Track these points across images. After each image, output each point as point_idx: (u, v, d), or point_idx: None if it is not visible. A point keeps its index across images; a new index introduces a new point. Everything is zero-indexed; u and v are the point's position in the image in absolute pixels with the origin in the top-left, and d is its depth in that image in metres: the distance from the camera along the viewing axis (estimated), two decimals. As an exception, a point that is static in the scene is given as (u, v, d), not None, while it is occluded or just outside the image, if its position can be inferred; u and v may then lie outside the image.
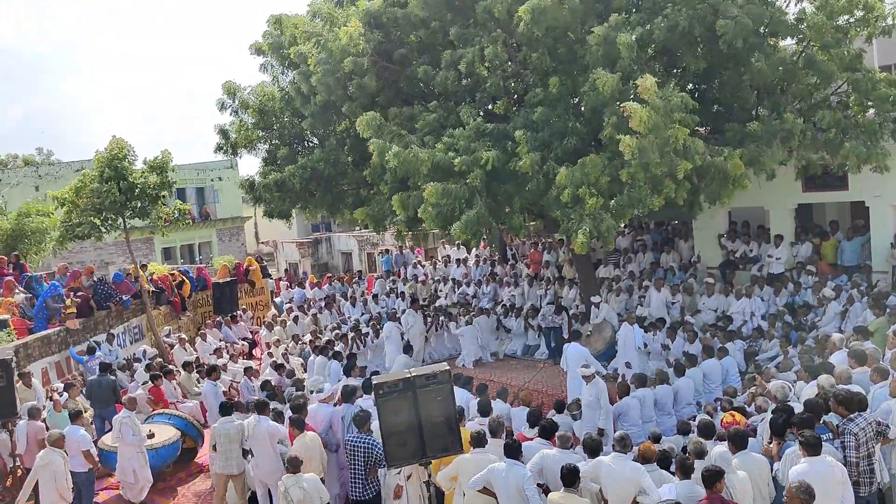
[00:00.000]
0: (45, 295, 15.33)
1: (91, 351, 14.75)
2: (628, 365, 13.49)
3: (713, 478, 6.28)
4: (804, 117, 12.21)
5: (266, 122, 17.54)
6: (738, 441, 7.01)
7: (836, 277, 14.47)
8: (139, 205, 16.58)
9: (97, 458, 10.32)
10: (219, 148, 18.39)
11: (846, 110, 12.29)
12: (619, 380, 12.42)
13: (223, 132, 18.24)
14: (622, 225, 12.25)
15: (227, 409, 10.15)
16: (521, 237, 21.80)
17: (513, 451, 7.35)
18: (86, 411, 11.98)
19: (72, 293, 15.94)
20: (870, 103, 12.20)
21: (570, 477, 6.87)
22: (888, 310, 11.40)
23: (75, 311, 15.30)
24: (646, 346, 13.73)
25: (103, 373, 12.92)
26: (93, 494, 10.47)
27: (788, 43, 13.00)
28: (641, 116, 10.03)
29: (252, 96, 17.91)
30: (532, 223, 12.65)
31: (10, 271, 17.62)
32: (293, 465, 8.12)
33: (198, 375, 14.57)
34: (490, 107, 14.52)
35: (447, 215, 11.54)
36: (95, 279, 17.72)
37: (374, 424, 8.54)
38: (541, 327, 16.59)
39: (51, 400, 11.49)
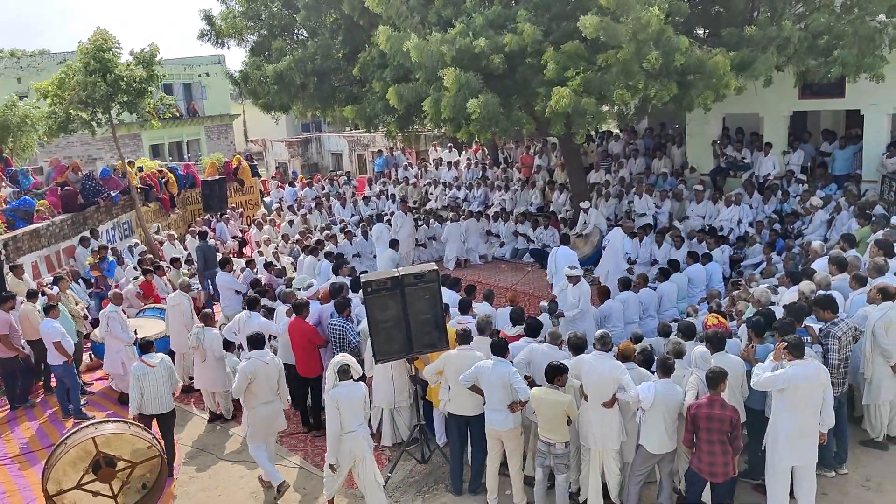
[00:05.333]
0: (12, 206, 15.15)
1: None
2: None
3: (717, 379, 6.44)
4: (804, 23, 11.93)
5: (254, 9, 16.91)
6: (716, 342, 7.16)
7: (826, 186, 14.50)
8: (126, 98, 16.25)
9: (71, 351, 10.46)
10: (202, 35, 17.63)
11: (849, 15, 11.97)
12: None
13: (208, 18, 17.56)
14: (602, 123, 12.12)
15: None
16: (522, 137, 21.59)
17: (499, 348, 7.52)
18: (77, 304, 12.12)
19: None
20: (872, 8, 11.88)
21: (551, 373, 7.07)
22: (873, 219, 11.48)
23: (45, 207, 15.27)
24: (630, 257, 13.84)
25: (203, 239, 15.28)
26: (78, 384, 10.74)
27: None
28: None
29: None
30: (526, 125, 12.45)
31: (-3, 164, 17.44)
32: (205, 320, 9.86)
33: (187, 271, 14.69)
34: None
35: (460, 104, 11.35)
36: (83, 175, 17.55)
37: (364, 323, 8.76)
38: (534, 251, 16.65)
39: (43, 294, 11.58)
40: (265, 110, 17.45)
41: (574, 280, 10.57)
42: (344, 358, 7.52)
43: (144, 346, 8.74)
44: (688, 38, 10.84)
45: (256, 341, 8.21)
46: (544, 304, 10.68)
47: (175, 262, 15.00)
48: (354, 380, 7.42)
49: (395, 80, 12.73)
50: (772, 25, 11.44)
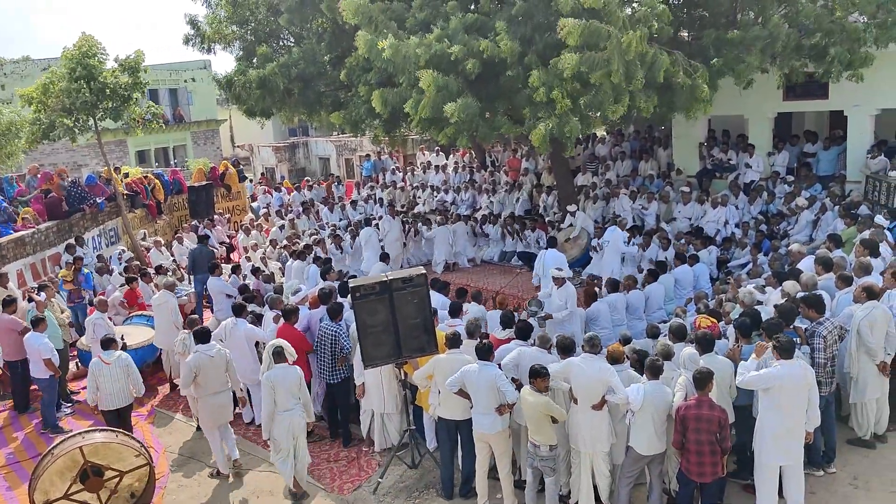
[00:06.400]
0: None
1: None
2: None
3: (704, 380, 6.47)
4: (790, 23, 12.00)
5: (240, 15, 16.82)
6: (705, 343, 7.20)
7: (811, 187, 14.61)
8: (111, 105, 16.13)
9: (58, 365, 10.36)
10: (187, 40, 17.40)
11: (832, 15, 12.05)
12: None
13: (193, 22, 17.39)
14: (588, 133, 12.14)
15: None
16: (509, 140, 21.62)
17: (484, 352, 7.52)
18: (62, 312, 12.02)
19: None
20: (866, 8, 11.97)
21: (530, 376, 7.06)
22: (859, 219, 11.57)
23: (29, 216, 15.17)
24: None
25: (202, 243, 15.14)
26: (55, 399, 10.57)
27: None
28: (572, 30, 9.90)
29: None
30: (509, 131, 12.45)
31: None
32: (192, 326, 9.57)
33: (172, 276, 14.58)
34: (473, 6, 14.08)
35: (438, 107, 11.31)
36: (69, 182, 17.44)
37: (353, 328, 8.73)
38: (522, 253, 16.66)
39: (31, 301, 11.49)
40: (248, 115, 17.34)
41: (559, 282, 10.59)
42: (279, 341, 8.07)
43: (105, 343, 9.00)
44: (670, 49, 10.90)
45: (202, 335, 8.60)
46: (531, 307, 10.72)
47: (161, 268, 14.93)
48: (289, 363, 7.95)
49: (380, 85, 12.71)
50: (756, 25, 11.49)
